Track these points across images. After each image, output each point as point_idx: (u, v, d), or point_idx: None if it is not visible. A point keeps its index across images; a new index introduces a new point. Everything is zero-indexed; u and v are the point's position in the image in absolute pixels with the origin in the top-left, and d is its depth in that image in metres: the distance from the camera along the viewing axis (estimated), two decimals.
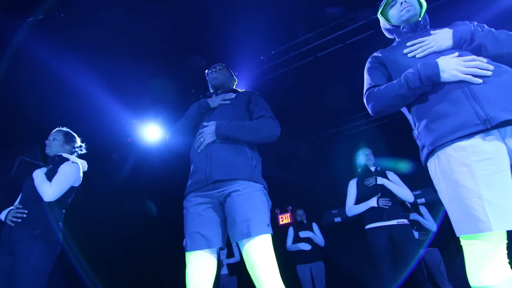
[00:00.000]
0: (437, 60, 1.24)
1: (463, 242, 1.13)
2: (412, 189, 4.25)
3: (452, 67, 1.19)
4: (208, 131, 1.57)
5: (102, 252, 4.81)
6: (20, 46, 3.24)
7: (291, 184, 5.85)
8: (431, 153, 1.23)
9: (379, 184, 2.91)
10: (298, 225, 4.32)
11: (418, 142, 1.33)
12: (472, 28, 1.31)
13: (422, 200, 4.60)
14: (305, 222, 4.33)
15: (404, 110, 1.47)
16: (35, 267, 1.83)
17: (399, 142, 5.11)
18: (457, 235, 1.14)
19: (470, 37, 1.27)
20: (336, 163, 5.35)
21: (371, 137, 5.18)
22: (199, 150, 1.57)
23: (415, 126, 1.33)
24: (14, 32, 3.15)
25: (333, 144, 6.05)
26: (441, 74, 1.20)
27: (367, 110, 1.47)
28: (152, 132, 5.24)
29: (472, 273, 1.09)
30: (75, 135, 2.43)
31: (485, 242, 1.06)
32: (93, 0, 3.21)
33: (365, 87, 1.50)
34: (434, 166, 1.22)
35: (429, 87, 1.25)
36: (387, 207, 2.78)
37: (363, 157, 3.12)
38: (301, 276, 4.02)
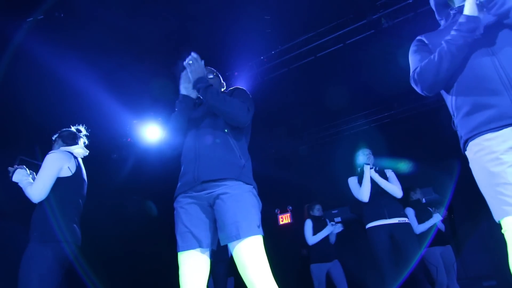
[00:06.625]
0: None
1: (504, 229, 1.15)
2: (412, 189, 4.21)
3: None
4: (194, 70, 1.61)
5: (102, 252, 4.80)
6: (20, 46, 3.23)
7: (291, 184, 5.84)
8: (465, 143, 1.28)
9: (372, 180, 2.94)
10: (316, 220, 4.08)
11: (457, 132, 1.37)
12: None
13: (422, 200, 4.59)
14: (323, 218, 4.14)
15: (446, 97, 1.44)
16: (34, 268, 1.83)
17: (399, 142, 5.12)
18: (496, 221, 1.18)
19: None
20: (336, 163, 5.35)
21: (371, 137, 5.17)
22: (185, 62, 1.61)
23: (454, 116, 1.36)
24: (14, 32, 3.15)
25: (333, 144, 6.05)
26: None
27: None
28: (152, 132, 5.24)
29: None
30: (65, 129, 2.36)
31: None
32: (93, 0, 3.21)
33: (412, 69, 1.45)
34: (469, 156, 1.27)
35: (471, 34, 1.22)
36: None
37: (363, 157, 3.14)
38: (317, 275, 3.78)
